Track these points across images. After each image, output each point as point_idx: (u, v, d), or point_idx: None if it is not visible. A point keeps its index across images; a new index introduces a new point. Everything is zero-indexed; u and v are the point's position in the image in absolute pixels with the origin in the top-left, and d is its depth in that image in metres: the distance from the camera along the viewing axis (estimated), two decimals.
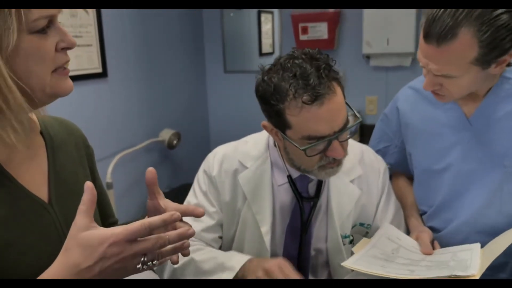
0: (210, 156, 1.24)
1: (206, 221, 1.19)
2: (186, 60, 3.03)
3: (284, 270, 1.04)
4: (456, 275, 0.91)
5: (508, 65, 1.04)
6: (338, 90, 1.00)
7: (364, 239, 1.14)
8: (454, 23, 0.93)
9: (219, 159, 1.21)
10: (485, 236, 1.04)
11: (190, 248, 1.13)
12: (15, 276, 0.69)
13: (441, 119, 1.18)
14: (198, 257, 1.14)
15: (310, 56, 1.01)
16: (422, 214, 1.26)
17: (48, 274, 0.65)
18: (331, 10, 2.70)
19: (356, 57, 2.77)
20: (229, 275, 1.08)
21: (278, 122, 1.04)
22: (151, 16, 2.63)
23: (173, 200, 1.01)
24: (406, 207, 1.28)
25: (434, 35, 0.95)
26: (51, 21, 0.70)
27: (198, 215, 0.83)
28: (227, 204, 1.19)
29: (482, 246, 1.03)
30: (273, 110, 1.02)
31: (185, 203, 1.24)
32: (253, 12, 3.09)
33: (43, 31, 0.69)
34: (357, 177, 1.19)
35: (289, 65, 0.99)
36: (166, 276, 1.18)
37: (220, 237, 1.23)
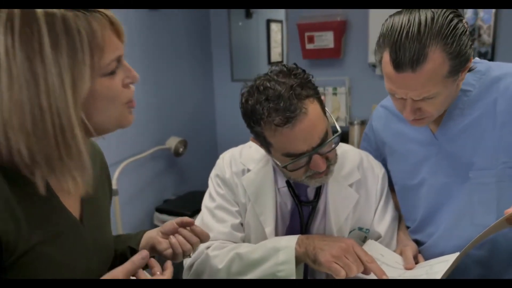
0: (219, 161, 1.27)
1: (232, 220, 1.21)
2: (194, 68, 3.05)
3: (359, 252, 1.03)
4: None
5: (469, 70, 1.06)
6: (312, 107, 1.01)
7: None
8: (421, 45, 0.94)
9: (228, 162, 1.24)
10: (461, 248, 1.06)
11: (228, 246, 1.15)
12: None
13: (411, 135, 1.20)
14: (242, 250, 1.13)
15: (286, 74, 1.02)
16: (408, 228, 1.28)
17: None
18: (337, 19, 2.72)
19: (362, 66, 2.78)
20: (287, 254, 1.06)
21: (261, 142, 1.08)
22: (159, 23, 2.65)
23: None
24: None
25: (407, 62, 0.95)
26: (118, 61, 0.74)
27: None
28: (243, 205, 1.21)
29: None
30: (253, 131, 1.06)
31: (202, 207, 1.26)
32: (262, 21, 3.11)
33: (113, 72, 0.73)
34: (356, 182, 1.21)
35: (262, 87, 1.01)
36: (206, 277, 1.16)
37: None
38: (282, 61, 3.08)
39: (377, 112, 1.34)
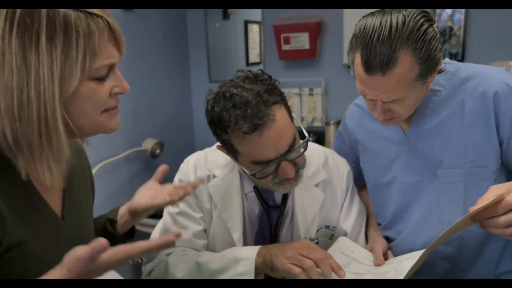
0: (183, 165, 1.25)
1: (194, 227, 1.19)
2: (170, 69, 3.03)
3: (313, 249, 1.03)
4: None
5: (439, 72, 1.09)
6: (280, 113, 1.00)
7: None
8: (391, 49, 0.95)
9: (193, 167, 1.22)
10: (429, 245, 1.08)
11: (189, 254, 1.13)
12: None
13: (383, 134, 1.22)
14: (202, 259, 1.11)
15: (253, 80, 1.01)
16: (379, 225, 1.30)
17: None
18: (312, 21, 2.74)
19: (337, 66, 2.81)
20: (246, 265, 1.05)
21: (228, 149, 1.06)
22: (134, 23, 2.62)
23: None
24: (368, 217, 1.31)
25: (377, 65, 0.97)
26: (110, 69, 0.76)
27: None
28: (208, 212, 1.19)
29: None
30: (220, 138, 1.04)
31: (164, 212, 1.24)
32: (240, 22, 3.11)
33: (102, 78, 0.74)
34: (322, 181, 1.21)
35: (228, 94, 0.98)
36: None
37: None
38: (260, 62, 3.08)
39: (350, 110, 1.36)
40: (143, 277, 1.20)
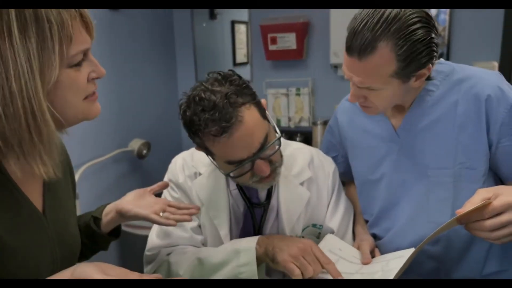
0: (171, 165, 1.26)
1: (191, 224, 1.20)
2: (157, 69, 3.01)
3: (316, 252, 1.05)
4: None
5: (428, 78, 1.09)
6: (248, 113, 1.00)
7: None
8: (373, 37, 0.96)
9: (180, 166, 1.24)
10: (416, 244, 1.10)
11: (189, 252, 1.15)
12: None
13: (374, 131, 1.23)
14: (203, 254, 1.13)
15: (221, 82, 1.02)
16: (366, 222, 1.31)
17: None
18: (299, 21, 2.75)
19: (324, 67, 2.82)
20: (247, 256, 1.07)
21: (203, 150, 1.08)
22: (120, 23, 2.60)
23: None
24: (355, 214, 1.32)
25: (355, 48, 0.98)
26: (85, 54, 0.76)
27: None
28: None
29: None
30: (195, 141, 1.06)
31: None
32: (227, 22, 3.11)
33: (79, 64, 0.75)
34: (307, 180, 1.22)
35: (198, 98, 1.00)
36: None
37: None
38: (247, 62, 3.09)
39: (342, 106, 1.35)
40: None
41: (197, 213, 1.09)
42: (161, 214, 1.03)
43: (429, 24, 0.99)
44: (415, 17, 0.97)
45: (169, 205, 1.07)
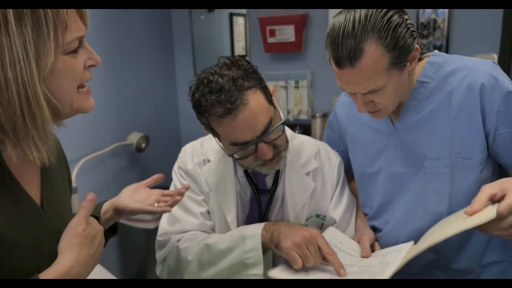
0: (181, 154, 1.30)
1: (200, 209, 1.24)
2: (155, 63, 3.00)
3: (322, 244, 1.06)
4: None
5: (420, 59, 1.11)
6: (254, 97, 1.04)
7: None
8: (356, 42, 0.98)
9: (189, 154, 1.28)
10: (414, 236, 1.10)
11: (198, 238, 1.18)
12: (17, 276, 0.73)
13: (372, 124, 1.24)
14: (210, 240, 1.16)
15: (229, 66, 1.06)
16: (366, 215, 1.32)
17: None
18: (298, 13, 2.74)
19: (323, 59, 2.78)
20: (253, 242, 1.09)
21: (210, 131, 1.13)
22: (118, 18, 2.58)
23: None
24: (357, 208, 1.33)
25: (345, 58, 1.00)
26: (80, 42, 0.76)
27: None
28: (207, 194, 1.24)
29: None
30: (202, 122, 1.11)
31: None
32: (225, 15, 3.09)
33: (75, 51, 0.75)
34: (313, 170, 1.25)
35: (206, 80, 1.05)
36: (182, 269, 1.18)
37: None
38: (246, 55, 3.08)
39: (341, 100, 1.37)
40: (158, 265, 1.25)
41: (184, 192, 1.11)
42: (156, 204, 1.05)
43: (397, 9, 1.01)
44: (384, 8, 0.99)
45: (164, 195, 1.09)
